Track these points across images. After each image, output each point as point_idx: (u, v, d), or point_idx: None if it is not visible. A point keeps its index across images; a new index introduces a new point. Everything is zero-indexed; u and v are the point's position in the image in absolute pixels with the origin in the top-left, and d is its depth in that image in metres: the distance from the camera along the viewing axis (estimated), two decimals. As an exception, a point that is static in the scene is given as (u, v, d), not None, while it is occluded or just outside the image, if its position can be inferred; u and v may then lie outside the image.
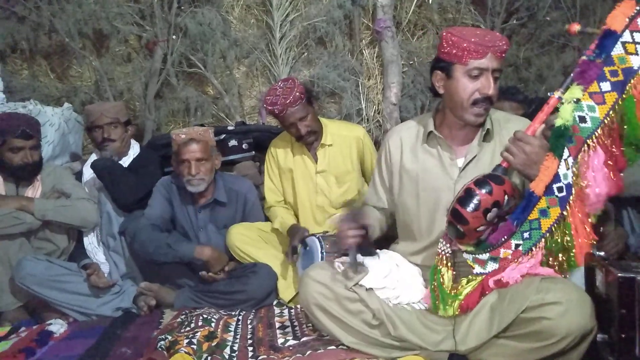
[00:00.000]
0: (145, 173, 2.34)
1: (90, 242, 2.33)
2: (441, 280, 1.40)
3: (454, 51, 1.42)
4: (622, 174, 2.05)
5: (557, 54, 3.02)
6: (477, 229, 1.29)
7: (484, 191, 1.26)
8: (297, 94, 2.12)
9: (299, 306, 1.94)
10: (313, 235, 2.03)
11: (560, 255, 1.30)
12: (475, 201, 1.26)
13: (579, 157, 1.27)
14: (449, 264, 1.40)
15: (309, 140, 2.22)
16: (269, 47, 3.11)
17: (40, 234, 2.22)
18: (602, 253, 1.27)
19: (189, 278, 2.20)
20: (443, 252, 1.41)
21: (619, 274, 1.09)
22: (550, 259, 1.31)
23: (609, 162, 1.26)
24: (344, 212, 1.53)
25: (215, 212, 2.28)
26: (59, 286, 2.12)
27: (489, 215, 1.27)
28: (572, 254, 1.28)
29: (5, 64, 3.08)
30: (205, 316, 1.89)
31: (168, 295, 2.15)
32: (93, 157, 2.45)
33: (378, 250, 1.56)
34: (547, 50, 3.04)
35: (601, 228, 2.09)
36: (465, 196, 1.28)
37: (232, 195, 2.30)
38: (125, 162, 2.42)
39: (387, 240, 1.73)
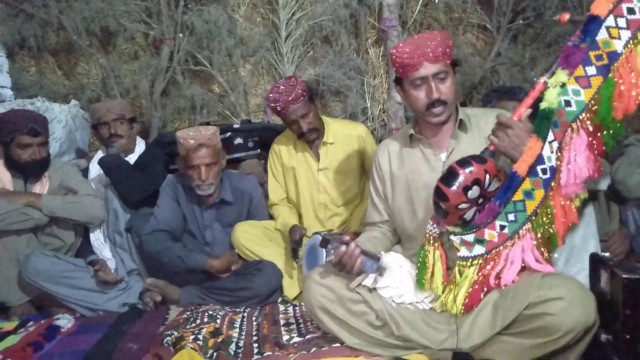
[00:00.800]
0: (152, 171, 2.36)
1: (97, 238, 2.35)
2: (426, 258, 1.43)
3: (398, 68, 1.54)
4: (624, 176, 2.07)
5: (563, 54, 3.01)
6: (459, 206, 1.32)
7: (465, 170, 1.30)
8: (299, 91, 2.14)
9: (303, 304, 1.96)
10: (318, 233, 2.04)
11: (543, 237, 1.31)
12: (456, 178, 1.30)
13: (563, 140, 1.30)
14: (436, 244, 1.43)
15: (310, 138, 2.24)
16: (274, 46, 3.12)
17: (47, 229, 2.25)
18: (607, 254, 1.27)
19: (195, 275, 2.22)
20: (430, 233, 1.44)
21: (624, 276, 1.09)
22: (539, 241, 1.32)
23: (591, 145, 1.28)
24: (330, 246, 1.52)
25: (221, 211, 2.29)
26: (66, 282, 2.14)
27: (470, 193, 1.30)
28: (553, 235, 1.29)
29: (14, 61, 3.11)
30: (210, 312, 1.90)
31: (174, 292, 2.17)
32: (99, 154, 2.47)
33: (382, 252, 1.57)
34: (554, 50, 3.03)
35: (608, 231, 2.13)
36: (448, 174, 1.33)
37: (238, 194, 2.31)
38: (132, 159, 2.43)
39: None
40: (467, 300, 1.36)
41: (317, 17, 3.04)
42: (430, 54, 1.47)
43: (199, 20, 2.96)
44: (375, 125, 3.08)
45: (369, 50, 3.14)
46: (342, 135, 2.28)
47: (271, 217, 2.38)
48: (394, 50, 1.52)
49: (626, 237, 2.08)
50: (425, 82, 1.50)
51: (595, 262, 1.28)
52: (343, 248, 1.45)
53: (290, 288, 2.14)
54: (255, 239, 2.23)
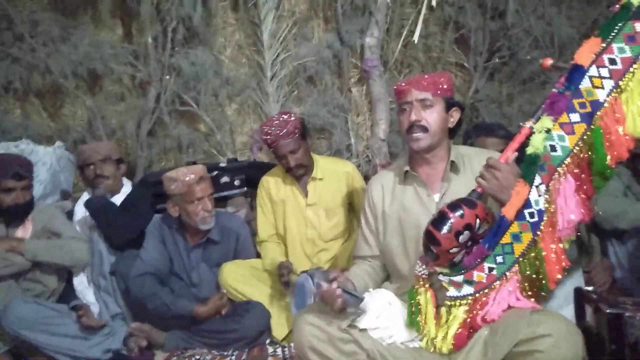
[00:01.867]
0: (138, 212, 2.34)
1: (81, 281, 2.31)
2: (417, 299, 1.44)
3: (395, 98, 1.66)
4: (603, 208, 2.13)
5: (538, 91, 3.13)
6: (450, 251, 1.33)
7: (456, 214, 1.31)
8: (291, 127, 2.20)
9: (292, 344, 1.93)
10: (306, 272, 2.03)
11: (534, 280, 1.32)
12: (447, 223, 1.31)
13: (551, 184, 1.33)
14: (427, 285, 1.43)
15: (297, 173, 2.27)
16: (260, 86, 3.19)
17: (29, 275, 2.19)
18: (590, 288, 1.29)
19: (180, 318, 2.18)
20: (420, 273, 1.45)
21: (608, 310, 1.11)
22: (527, 284, 1.34)
23: (580, 189, 1.32)
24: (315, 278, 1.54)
25: (208, 251, 2.28)
26: (48, 329, 2.07)
27: (461, 238, 1.32)
28: (544, 280, 1.31)
29: (-1, 104, 3.11)
30: (197, 357, 1.87)
31: (159, 336, 2.12)
32: (85, 195, 2.45)
33: (371, 290, 1.57)
34: (529, 87, 3.15)
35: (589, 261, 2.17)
36: (439, 219, 1.33)
37: (225, 232, 2.30)
38: (118, 200, 2.42)
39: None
40: (454, 340, 1.36)
41: (302, 58, 3.13)
42: (420, 82, 1.58)
43: (186, 62, 3.02)
44: (359, 162, 3.13)
45: (352, 89, 3.23)
46: (330, 172, 2.31)
47: (258, 255, 2.36)
48: (398, 83, 1.65)
49: (608, 268, 2.12)
50: (410, 107, 1.59)
51: (580, 296, 1.30)
52: (324, 286, 1.45)
53: (279, 328, 2.11)
54: (243, 279, 2.21)
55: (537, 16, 3.05)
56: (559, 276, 1.30)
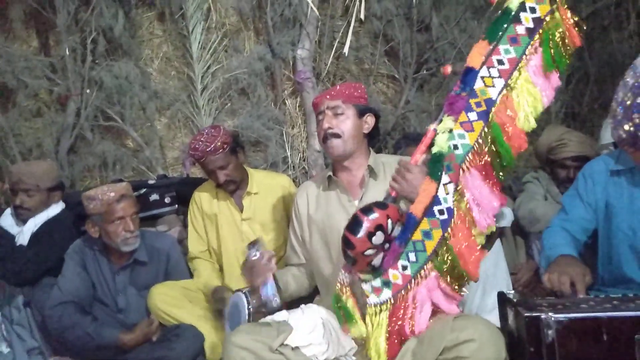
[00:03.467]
0: (50, 243, 2.16)
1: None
2: (345, 304, 1.44)
3: (314, 110, 1.71)
4: (525, 211, 2.23)
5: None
6: (364, 253, 1.35)
7: (368, 216, 1.35)
8: (219, 143, 2.13)
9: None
10: (239, 290, 1.97)
11: (451, 274, 1.35)
12: (359, 226, 1.34)
13: (460, 182, 1.38)
14: (348, 293, 1.45)
15: (227, 189, 2.22)
16: (190, 99, 3.10)
17: None
18: (512, 292, 1.33)
19: (105, 348, 2.03)
20: (342, 281, 1.46)
21: (526, 314, 1.14)
22: (450, 278, 1.36)
23: (487, 179, 1.38)
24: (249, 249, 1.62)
25: (135, 273, 2.15)
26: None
27: (374, 239, 1.34)
28: (463, 271, 1.34)
29: None
30: (123, 390, 1.74)
31: (81, 370, 1.97)
32: (7, 214, 2.26)
33: (303, 305, 1.54)
34: (456, 97, 3.28)
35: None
36: (353, 223, 1.37)
37: (154, 253, 2.19)
38: (40, 218, 2.23)
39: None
40: (387, 350, 1.35)
41: (233, 70, 3.07)
42: (331, 92, 1.64)
43: (109, 75, 2.88)
44: (296, 174, 3.11)
45: (286, 101, 3.21)
46: (266, 185, 2.28)
47: (191, 275, 2.27)
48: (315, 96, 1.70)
49: (533, 268, 2.22)
50: (323, 116, 1.64)
51: (502, 300, 1.33)
52: (261, 256, 1.52)
53: (214, 352, 2.02)
54: (174, 301, 2.10)
55: (460, 29, 3.19)
56: (477, 269, 1.34)
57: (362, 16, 3.03)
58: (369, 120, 1.68)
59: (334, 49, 3.13)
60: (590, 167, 1.66)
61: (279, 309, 1.57)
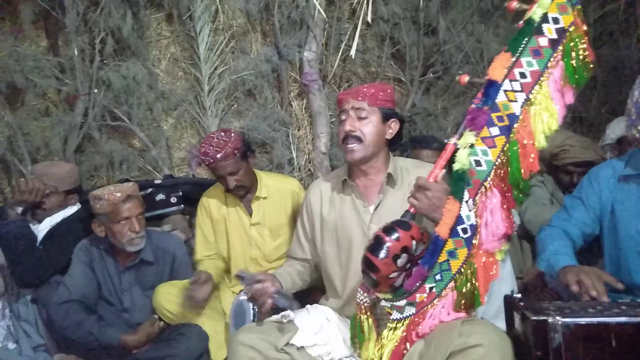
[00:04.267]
0: (62, 245, 2.15)
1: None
2: (361, 328, 1.42)
3: (337, 106, 1.65)
4: (531, 215, 2.22)
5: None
6: (389, 276, 1.31)
7: (392, 238, 1.30)
8: (230, 149, 2.08)
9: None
10: (242, 291, 1.97)
11: (469, 296, 1.34)
12: (384, 248, 1.29)
13: (477, 198, 1.35)
14: (368, 313, 1.42)
15: (237, 194, 2.19)
16: (197, 100, 3.11)
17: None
18: (519, 295, 1.32)
19: (109, 348, 2.03)
20: (362, 302, 1.43)
21: (533, 317, 1.14)
22: (462, 300, 1.35)
23: (503, 203, 1.35)
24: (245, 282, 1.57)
25: (141, 273, 2.15)
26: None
27: (399, 261, 1.30)
28: (476, 292, 1.33)
29: None
30: (128, 389, 1.74)
31: (86, 368, 1.98)
32: None
33: (308, 306, 1.54)
34: (462, 101, 3.28)
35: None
36: (375, 244, 1.31)
37: (159, 253, 2.19)
38: (53, 220, 2.23)
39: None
40: (390, 356, 1.35)
41: (240, 72, 3.08)
42: (358, 91, 1.57)
43: (116, 76, 2.89)
44: (302, 175, 3.12)
45: (292, 103, 3.22)
46: (275, 190, 2.24)
47: (195, 275, 2.27)
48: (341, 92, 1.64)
49: (539, 273, 2.20)
50: (346, 116, 1.58)
51: (508, 304, 1.32)
52: (257, 285, 1.46)
53: (218, 352, 2.02)
54: (179, 301, 2.10)
55: (467, 33, 3.20)
56: (486, 290, 1.33)
57: (369, 19, 3.04)
58: (393, 125, 1.62)
59: (340, 51, 3.14)
60: (597, 172, 1.63)
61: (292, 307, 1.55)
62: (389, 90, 1.62)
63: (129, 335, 1.99)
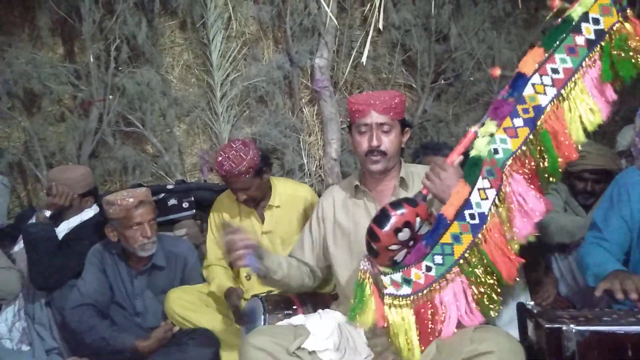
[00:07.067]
0: (79, 249, 2.17)
1: (6, 318, 2.13)
2: (362, 293, 1.43)
3: (351, 114, 1.63)
4: (544, 223, 2.20)
5: (483, 111, 3.25)
6: (389, 247, 1.34)
7: (397, 211, 1.34)
8: (245, 168, 2.06)
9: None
10: (255, 295, 1.98)
11: (482, 282, 1.32)
12: (387, 220, 1.33)
13: (502, 188, 1.35)
14: (369, 279, 1.44)
15: (247, 205, 2.20)
16: (210, 106, 3.14)
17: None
18: (532, 302, 1.32)
19: (121, 352, 2.05)
20: (364, 269, 1.45)
21: (546, 325, 1.13)
22: (479, 288, 1.33)
23: (530, 184, 1.35)
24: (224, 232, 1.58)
25: (153, 277, 2.17)
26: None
27: (401, 235, 1.34)
28: (498, 273, 1.31)
29: None
30: (139, 392, 1.75)
31: (99, 372, 1.99)
32: None
33: (320, 310, 1.55)
34: (474, 107, 3.27)
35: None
36: (380, 215, 1.36)
37: (171, 257, 2.21)
38: (70, 224, 2.26)
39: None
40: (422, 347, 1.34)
41: (252, 79, 3.11)
42: (378, 105, 1.57)
43: (131, 82, 2.93)
44: (312, 182, 3.13)
45: (304, 109, 3.24)
46: (288, 197, 2.24)
47: (205, 280, 2.27)
48: (351, 98, 1.65)
49: (552, 281, 2.19)
50: (369, 130, 1.58)
51: (522, 312, 1.31)
52: (231, 236, 1.48)
53: (229, 356, 2.03)
54: (191, 306, 2.11)
55: (478, 40, 3.19)
56: (515, 273, 1.31)
57: (380, 26, 3.05)
58: (407, 134, 1.67)
59: (352, 58, 3.15)
60: (624, 179, 1.59)
61: (264, 276, 1.58)
62: (403, 99, 1.64)
63: (141, 341, 2.01)
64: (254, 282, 2.22)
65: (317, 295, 1.90)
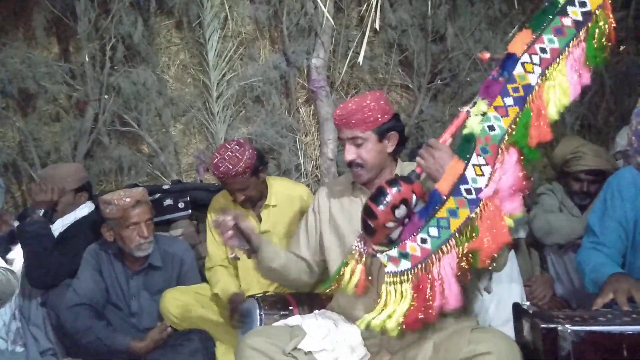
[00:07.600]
0: (74, 247, 2.16)
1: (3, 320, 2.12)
2: (345, 267, 1.45)
3: None
4: (540, 223, 2.20)
5: (479, 111, 3.26)
6: (386, 225, 1.35)
7: (393, 189, 1.35)
8: (241, 168, 2.05)
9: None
10: (251, 296, 1.97)
11: (466, 256, 1.32)
12: (384, 197, 1.34)
13: (497, 163, 1.35)
14: (361, 260, 1.44)
15: (244, 206, 2.20)
16: (206, 106, 3.13)
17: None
18: (528, 303, 1.32)
19: (117, 353, 2.04)
20: (357, 249, 1.46)
21: (542, 325, 1.13)
22: (461, 260, 1.33)
23: (519, 163, 1.35)
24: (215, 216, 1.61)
25: (149, 277, 2.17)
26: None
27: (397, 212, 1.35)
28: (476, 254, 1.31)
29: None
30: (134, 393, 1.75)
31: (93, 373, 1.99)
32: None
33: (316, 311, 1.54)
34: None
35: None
36: (377, 193, 1.37)
37: (167, 258, 2.21)
38: (65, 221, 2.25)
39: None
40: (404, 319, 1.33)
41: (248, 78, 3.10)
42: (344, 122, 1.57)
43: (127, 82, 2.92)
44: (309, 182, 3.12)
45: (300, 109, 3.23)
46: (284, 197, 2.24)
47: (204, 280, 2.27)
48: (335, 110, 1.65)
49: (548, 281, 2.20)
50: (345, 144, 1.61)
51: (517, 312, 1.32)
52: (222, 217, 1.51)
53: (225, 356, 2.03)
54: (186, 306, 2.11)
55: (475, 40, 3.20)
56: (495, 254, 1.30)
57: (377, 26, 3.05)
58: (392, 138, 1.62)
59: (348, 58, 3.15)
60: (617, 180, 1.59)
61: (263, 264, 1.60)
62: (382, 102, 1.60)
63: (137, 342, 2.00)
64: (252, 281, 2.22)
65: (314, 295, 1.89)
